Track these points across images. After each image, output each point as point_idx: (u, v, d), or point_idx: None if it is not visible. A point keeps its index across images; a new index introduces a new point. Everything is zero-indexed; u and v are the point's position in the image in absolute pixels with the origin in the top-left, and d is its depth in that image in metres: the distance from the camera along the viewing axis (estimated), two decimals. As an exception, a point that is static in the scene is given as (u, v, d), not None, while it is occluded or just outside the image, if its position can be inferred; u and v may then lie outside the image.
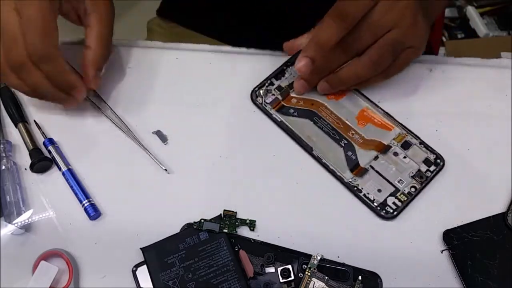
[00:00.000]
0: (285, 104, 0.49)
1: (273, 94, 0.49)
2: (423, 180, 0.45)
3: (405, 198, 0.44)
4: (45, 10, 0.41)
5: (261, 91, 0.49)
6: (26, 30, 0.41)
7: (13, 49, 0.41)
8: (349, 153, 0.46)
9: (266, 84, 0.50)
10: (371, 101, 0.49)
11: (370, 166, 0.45)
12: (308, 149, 0.46)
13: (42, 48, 0.41)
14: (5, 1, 0.41)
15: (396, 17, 0.43)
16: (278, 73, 0.50)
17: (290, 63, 0.51)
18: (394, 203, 0.44)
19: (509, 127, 0.47)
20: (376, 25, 0.43)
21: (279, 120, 0.48)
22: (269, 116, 0.48)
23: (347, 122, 0.48)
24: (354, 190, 0.44)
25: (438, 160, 0.45)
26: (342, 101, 0.49)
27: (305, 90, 0.49)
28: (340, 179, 0.45)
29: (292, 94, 0.49)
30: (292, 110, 0.48)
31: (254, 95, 0.49)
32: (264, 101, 0.49)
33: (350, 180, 0.45)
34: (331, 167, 0.45)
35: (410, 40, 0.44)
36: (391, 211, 0.43)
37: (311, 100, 0.49)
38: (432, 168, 0.45)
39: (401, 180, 0.45)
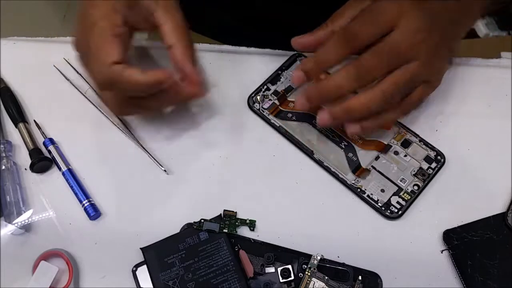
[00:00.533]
0: (283, 109, 0.48)
1: (270, 99, 0.49)
2: (425, 177, 0.45)
3: (409, 197, 0.44)
4: (102, 36, 0.40)
5: (258, 97, 0.49)
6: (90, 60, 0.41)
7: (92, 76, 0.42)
8: (350, 154, 0.46)
9: (262, 90, 0.49)
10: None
11: (372, 166, 0.45)
12: (308, 153, 0.46)
13: (101, 76, 0.40)
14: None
15: (417, 48, 0.39)
16: (274, 78, 0.50)
17: (284, 67, 0.50)
18: (398, 202, 0.44)
19: (509, 127, 0.47)
20: (394, 53, 0.39)
21: (277, 125, 0.48)
22: (268, 122, 0.48)
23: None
24: (358, 192, 0.44)
25: (439, 157, 0.45)
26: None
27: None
28: (343, 181, 0.45)
29: (289, 99, 0.49)
30: (290, 114, 0.48)
31: (251, 101, 0.49)
32: (262, 106, 0.49)
33: (353, 182, 0.45)
34: (332, 169, 0.45)
35: (427, 74, 0.41)
36: (396, 210, 0.43)
37: None
38: (434, 165, 0.45)
39: (403, 178, 0.45)
